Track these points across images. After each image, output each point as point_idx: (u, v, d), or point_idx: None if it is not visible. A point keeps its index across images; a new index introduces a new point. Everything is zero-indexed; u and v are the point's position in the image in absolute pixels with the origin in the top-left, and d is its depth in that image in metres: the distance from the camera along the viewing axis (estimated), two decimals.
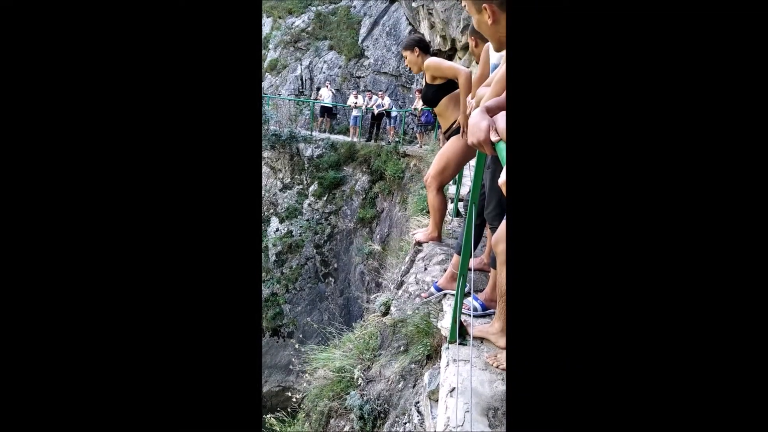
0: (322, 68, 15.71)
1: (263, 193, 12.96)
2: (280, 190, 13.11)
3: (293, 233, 12.75)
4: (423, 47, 3.04)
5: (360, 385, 2.57)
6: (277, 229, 12.86)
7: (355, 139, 12.86)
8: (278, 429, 3.51)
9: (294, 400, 3.58)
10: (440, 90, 2.96)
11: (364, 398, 2.41)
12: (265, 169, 13.08)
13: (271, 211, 13.03)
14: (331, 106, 13.84)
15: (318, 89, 14.47)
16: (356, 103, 12.86)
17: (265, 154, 12.87)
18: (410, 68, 3.15)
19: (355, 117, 13.01)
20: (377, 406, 2.36)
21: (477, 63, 2.50)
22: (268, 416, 3.74)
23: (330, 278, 12.65)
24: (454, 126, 2.95)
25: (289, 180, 13.09)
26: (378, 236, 11.50)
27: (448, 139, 3.03)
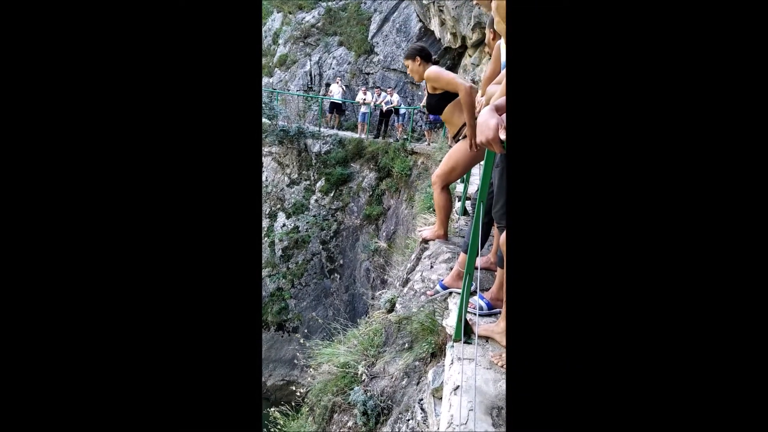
0: (331, 64, 15.70)
1: (270, 188, 13.00)
2: (287, 186, 13.14)
3: (300, 229, 12.80)
4: (425, 56, 3.01)
5: (364, 381, 2.58)
6: (284, 225, 12.90)
7: (363, 136, 12.85)
8: (282, 422, 3.54)
9: (298, 394, 3.61)
10: (442, 99, 2.94)
11: (368, 394, 2.43)
12: (272, 164, 13.11)
13: (278, 206, 13.07)
14: (339, 102, 13.83)
15: (328, 85, 14.45)
16: (365, 99, 12.84)
17: (273, 149, 12.91)
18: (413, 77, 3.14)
19: (364, 113, 12.99)
20: (380, 402, 2.37)
21: (490, 56, 2.49)
22: (272, 410, 3.77)
23: (335, 274, 12.68)
24: (462, 132, 2.94)
25: (296, 175, 13.12)
26: (384, 233, 11.50)
27: (456, 142, 3.02)
